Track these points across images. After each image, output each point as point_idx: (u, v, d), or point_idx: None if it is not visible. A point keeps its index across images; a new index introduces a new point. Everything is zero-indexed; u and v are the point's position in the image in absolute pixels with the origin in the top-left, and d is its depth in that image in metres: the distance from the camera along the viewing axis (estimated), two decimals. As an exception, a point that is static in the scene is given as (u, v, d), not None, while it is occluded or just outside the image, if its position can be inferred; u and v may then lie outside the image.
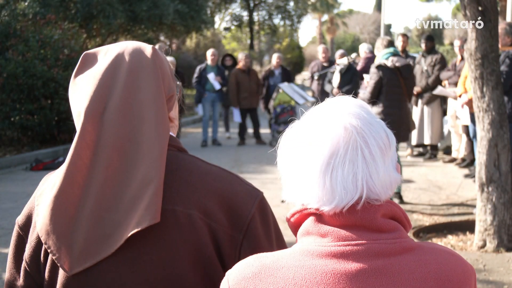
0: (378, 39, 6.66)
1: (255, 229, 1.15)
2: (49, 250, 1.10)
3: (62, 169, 1.12)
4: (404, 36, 9.20)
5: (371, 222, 0.95)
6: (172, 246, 1.10)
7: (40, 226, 1.11)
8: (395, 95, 5.97)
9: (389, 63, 6.01)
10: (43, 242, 1.11)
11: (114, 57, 1.16)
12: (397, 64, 5.98)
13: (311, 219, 0.98)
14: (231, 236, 1.13)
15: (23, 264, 1.18)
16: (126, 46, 1.19)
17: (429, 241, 4.73)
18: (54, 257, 1.10)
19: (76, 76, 1.17)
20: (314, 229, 0.97)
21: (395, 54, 6.16)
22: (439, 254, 0.97)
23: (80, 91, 1.14)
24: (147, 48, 1.18)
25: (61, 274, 1.11)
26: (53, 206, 1.10)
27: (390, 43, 6.33)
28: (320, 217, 0.97)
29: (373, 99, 5.88)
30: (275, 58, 11.31)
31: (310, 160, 0.95)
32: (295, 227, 1.02)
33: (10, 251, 1.24)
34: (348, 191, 0.93)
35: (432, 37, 8.85)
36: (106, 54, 1.18)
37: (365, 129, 0.95)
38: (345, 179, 0.93)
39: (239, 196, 1.16)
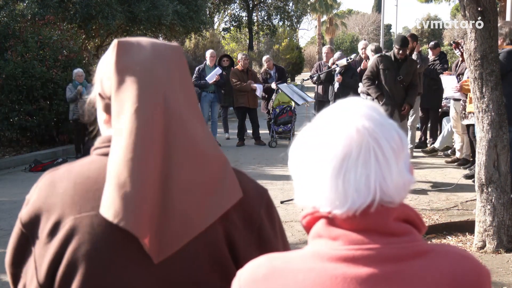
0: (369, 45, 8.66)
1: (264, 229, 1.17)
2: (140, 238, 1.04)
3: (129, 157, 1.05)
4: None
5: (383, 226, 0.93)
6: (194, 248, 1.09)
7: (121, 215, 1.03)
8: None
9: (342, 65, 8.07)
10: (132, 231, 1.03)
11: (151, 48, 1.15)
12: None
13: (322, 221, 0.97)
14: (244, 237, 1.14)
15: (32, 265, 1.13)
16: (153, 40, 1.20)
17: (429, 242, 4.73)
18: (145, 245, 1.04)
19: (118, 63, 1.13)
20: (325, 232, 0.96)
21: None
22: (453, 258, 0.95)
23: (129, 80, 1.10)
24: (174, 44, 1.21)
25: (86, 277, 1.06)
26: (133, 198, 1.03)
27: (378, 49, 8.39)
28: (331, 220, 0.96)
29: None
30: (264, 61, 11.29)
31: (322, 162, 0.94)
32: (307, 229, 1.01)
33: (9, 247, 1.17)
34: (361, 193, 0.91)
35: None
36: (139, 45, 1.16)
37: (378, 130, 0.93)
38: (358, 182, 0.91)
39: (250, 197, 1.17)
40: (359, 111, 0.96)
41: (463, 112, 7.51)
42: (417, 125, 9.55)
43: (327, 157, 0.93)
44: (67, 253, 1.08)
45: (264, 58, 11.50)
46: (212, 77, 10.36)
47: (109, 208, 1.04)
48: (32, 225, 1.13)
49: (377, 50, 8.48)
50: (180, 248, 1.06)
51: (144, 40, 1.18)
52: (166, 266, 1.07)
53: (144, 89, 1.09)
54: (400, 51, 7.29)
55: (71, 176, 1.14)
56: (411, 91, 7.51)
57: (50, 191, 1.14)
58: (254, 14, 31.06)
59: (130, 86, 1.09)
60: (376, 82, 7.49)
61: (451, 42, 8.48)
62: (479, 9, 4.30)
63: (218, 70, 10.46)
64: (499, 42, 5.59)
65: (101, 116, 1.23)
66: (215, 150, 1.13)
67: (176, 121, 1.09)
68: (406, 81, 7.42)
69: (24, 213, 1.14)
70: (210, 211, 1.08)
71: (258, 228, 1.16)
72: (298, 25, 33.76)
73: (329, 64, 9.90)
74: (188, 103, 1.14)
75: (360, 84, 8.61)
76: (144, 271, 1.07)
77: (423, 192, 6.72)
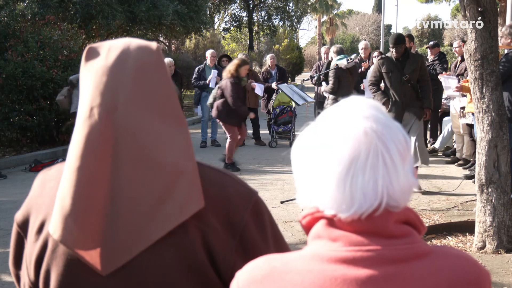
0: (332, 47, 9.06)
1: (249, 233, 1.12)
2: (77, 254, 1.05)
3: (72, 168, 1.04)
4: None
5: (383, 228, 0.92)
6: (165, 253, 1.06)
7: (60, 230, 1.05)
8: (348, 87, 8.21)
9: (342, 65, 8.36)
10: (68, 247, 1.05)
11: (120, 51, 1.10)
12: (348, 66, 8.37)
13: (322, 222, 0.96)
14: (224, 241, 1.09)
15: (25, 264, 1.16)
16: (130, 41, 1.15)
17: (429, 242, 4.73)
18: (85, 260, 1.05)
19: (83, 70, 1.12)
20: (325, 233, 0.95)
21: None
22: (452, 259, 0.95)
23: (87, 87, 1.08)
24: (152, 43, 1.15)
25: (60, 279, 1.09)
26: (75, 209, 1.03)
27: (340, 51, 8.76)
28: (331, 221, 0.95)
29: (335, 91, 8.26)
30: (269, 59, 11.29)
31: (328, 164, 0.92)
32: (306, 230, 1.00)
33: (10, 249, 1.22)
34: (368, 198, 0.90)
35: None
36: (110, 49, 1.12)
37: (385, 133, 0.92)
38: (366, 186, 0.90)
39: (232, 200, 1.13)
40: (365, 112, 0.94)
41: (461, 110, 7.53)
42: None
43: (334, 158, 0.91)
44: (47, 252, 1.10)
45: (269, 55, 11.49)
46: (212, 82, 10.38)
47: (51, 221, 1.07)
48: (25, 224, 1.17)
49: (339, 52, 8.64)
50: (148, 253, 1.05)
51: (118, 43, 1.13)
52: (134, 270, 1.06)
53: (97, 97, 1.06)
54: (394, 50, 6.65)
55: (59, 177, 1.13)
56: (424, 93, 6.77)
57: (40, 191, 1.17)
58: (254, 14, 31.06)
59: (87, 93, 1.08)
60: (383, 86, 7.05)
61: (460, 40, 8.49)
62: (479, 9, 4.30)
63: (215, 73, 10.47)
64: (508, 41, 5.60)
65: None
66: (176, 158, 1.07)
67: (127, 130, 1.05)
68: (414, 79, 6.72)
69: (18, 214, 1.19)
70: (162, 222, 1.04)
71: (241, 232, 1.11)
72: (298, 25, 33.79)
73: (329, 59, 9.93)
74: (152, 108, 1.07)
75: (324, 83, 8.85)
76: (112, 274, 1.06)
77: (423, 192, 6.71)
